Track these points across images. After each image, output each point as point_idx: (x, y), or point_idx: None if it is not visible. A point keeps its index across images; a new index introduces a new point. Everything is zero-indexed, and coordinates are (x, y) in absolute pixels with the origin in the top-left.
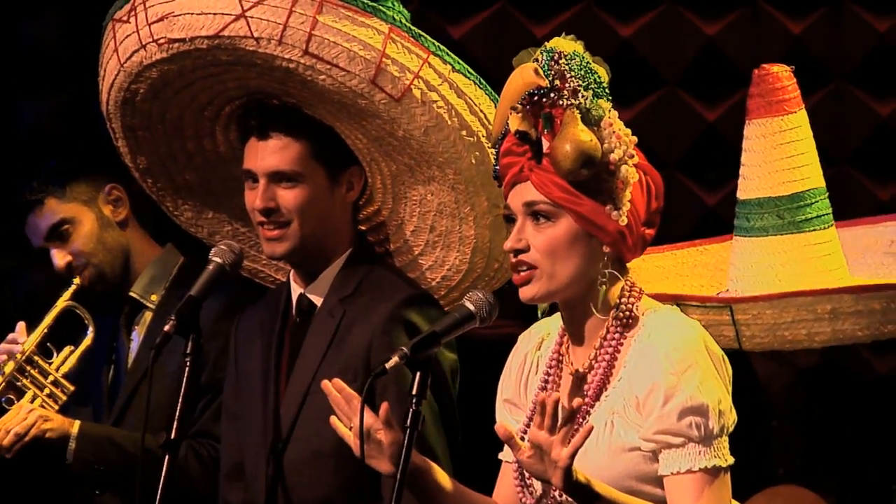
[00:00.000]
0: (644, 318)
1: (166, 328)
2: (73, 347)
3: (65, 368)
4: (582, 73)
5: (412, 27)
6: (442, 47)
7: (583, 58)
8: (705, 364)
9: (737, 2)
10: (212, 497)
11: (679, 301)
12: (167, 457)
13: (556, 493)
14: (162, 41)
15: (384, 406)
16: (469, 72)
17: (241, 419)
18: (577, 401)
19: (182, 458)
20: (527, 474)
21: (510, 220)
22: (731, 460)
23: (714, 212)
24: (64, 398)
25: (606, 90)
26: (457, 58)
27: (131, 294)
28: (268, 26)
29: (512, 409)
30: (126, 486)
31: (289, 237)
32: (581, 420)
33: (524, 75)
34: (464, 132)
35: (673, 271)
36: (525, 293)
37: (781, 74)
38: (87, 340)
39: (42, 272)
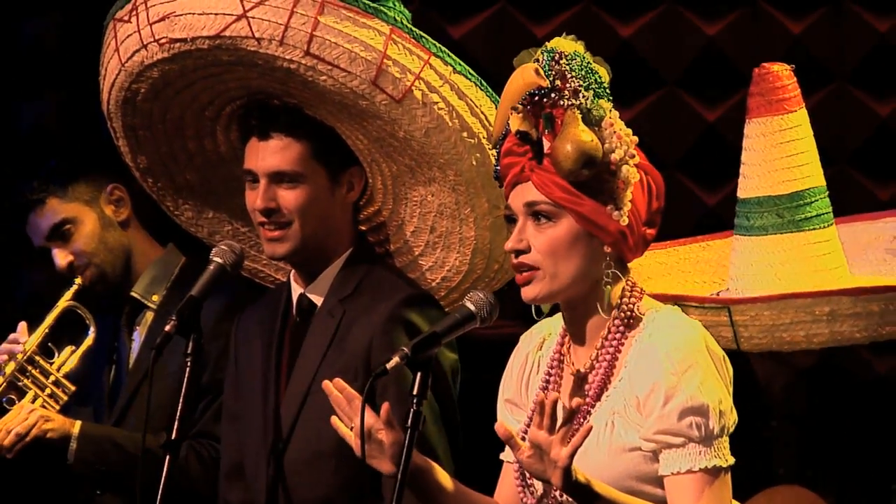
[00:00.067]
0: (645, 319)
1: (167, 328)
2: (74, 347)
3: (66, 368)
4: (583, 73)
5: (413, 28)
6: (443, 48)
7: (583, 58)
8: (706, 364)
9: (737, 2)
10: (212, 497)
11: (677, 301)
12: (168, 457)
13: (557, 493)
14: (163, 41)
15: (385, 406)
16: (470, 73)
17: (241, 419)
18: (576, 401)
19: (183, 458)
20: (528, 474)
21: (511, 220)
22: (731, 460)
23: (714, 212)
24: (65, 398)
25: (607, 90)
26: (458, 59)
27: (132, 294)
28: (269, 27)
29: (513, 409)
30: (127, 486)
31: (290, 238)
32: (582, 420)
33: (525, 75)
34: (465, 133)
35: (675, 267)
36: (527, 293)
37: (782, 73)
38: (89, 340)
39: (43, 272)
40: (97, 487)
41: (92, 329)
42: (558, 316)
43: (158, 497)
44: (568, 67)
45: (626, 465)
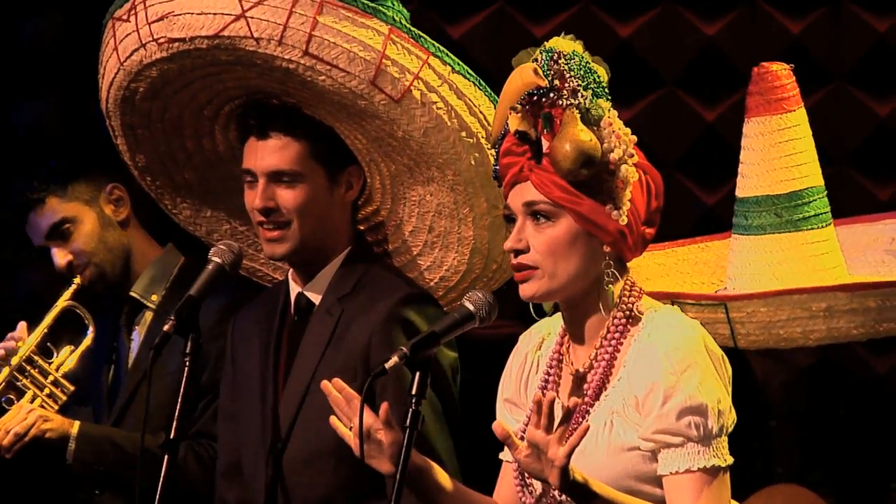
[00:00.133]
0: (644, 318)
1: (165, 328)
2: (73, 347)
3: (65, 368)
4: (581, 72)
5: (412, 28)
6: (442, 48)
7: (582, 57)
8: (705, 364)
9: (736, 1)
10: (211, 497)
11: (674, 299)
12: (166, 457)
13: (556, 493)
14: (162, 40)
15: (384, 406)
16: (469, 73)
17: (239, 418)
18: (573, 400)
19: (182, 458)
20: (527, 474)
21: (510, 220)
22: (730, 460)
23: (713, 211)
24: (64, 398)
25: (606, 90)
26: (456, 59)
27: (132, 294)
28: (268, 27)
29: (512, 409)
30: (126, 486)
31: (289, 238)
32: (580, 419)
33: (523, 75)
34: (463, 133)
35: (674, 268)
36: (525, 291)
37: (781, 73)
38: (87, 340)
39: (42, 272)
40: (96, 487)
41: (91, 329)
42: (557, 316)
43: (157, 497)
44: (566, 67)
45: (625, 465)
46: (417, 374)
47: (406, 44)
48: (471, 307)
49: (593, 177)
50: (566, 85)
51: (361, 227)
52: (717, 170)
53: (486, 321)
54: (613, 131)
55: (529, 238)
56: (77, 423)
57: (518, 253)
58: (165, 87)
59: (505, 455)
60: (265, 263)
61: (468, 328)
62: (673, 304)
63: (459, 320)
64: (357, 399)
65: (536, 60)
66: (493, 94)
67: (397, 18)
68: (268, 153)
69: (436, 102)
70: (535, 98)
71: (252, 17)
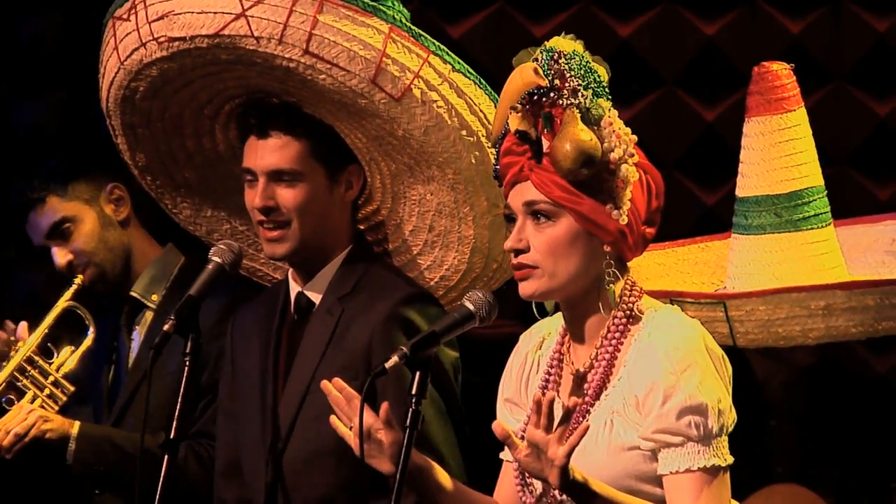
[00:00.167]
0: (644, 317)
1: (165, 327)
2: (73, 348)
3: (65, 369)
4: (582, 72)
5: (412, 27)
6: (442, 47)
7: (582, 57)
8: (705, 363)
9: (736, 1)
10: (211, 498)
11: (673, 298)
12: (166, 457)
13: (556, 492)
14: (162, 39)
15: (384, 406)
16: (469, 71)
17: (238, 417)
18: (572, 400)
19: (182, 458)
20: (527, 473)
21: (510, 219)
22: (730, 460)
23: (713, 211)
24: (64, 399)
25: (606, 89)
26: (457, 57)
27: (132, 294)
28: (268, 25)
29: (513, 409)
30: (126, 486)
31: (289, 238)
32: (580, 419)
33: (524, 75)
34: (463, 132)
35: (674, 268)
36: (524, 289)
37: (781, 72)
38: (88, 341)
39: (42, 272)
40: (96, 487)
41: (91, 329)
42: (558, 316)
43: (157, 497)
44: (567, 67)
45: (625, 465)
46: (417, 373)
47: (406, 42)
48: (471, 307)
49: (594, 176)
50: (566, 84)
51: (361, 227)
52: (717, 169)
53: (487, 321)
54: (614, 131)
55: (530, 238)
56: (77, 424)
57: (518, 252)
58: (166, 86)
59: (505, 455)
60: (265, 263)
61: (468, 328)
62: (672, 304)
63: (459, 320)
64: (357, 398)
65: (537, 60)
66: (493, 92)
67: (398, 17)
68: (268, 152)
69: (436, 101)
70: (536, 97)
71: (252, 16)
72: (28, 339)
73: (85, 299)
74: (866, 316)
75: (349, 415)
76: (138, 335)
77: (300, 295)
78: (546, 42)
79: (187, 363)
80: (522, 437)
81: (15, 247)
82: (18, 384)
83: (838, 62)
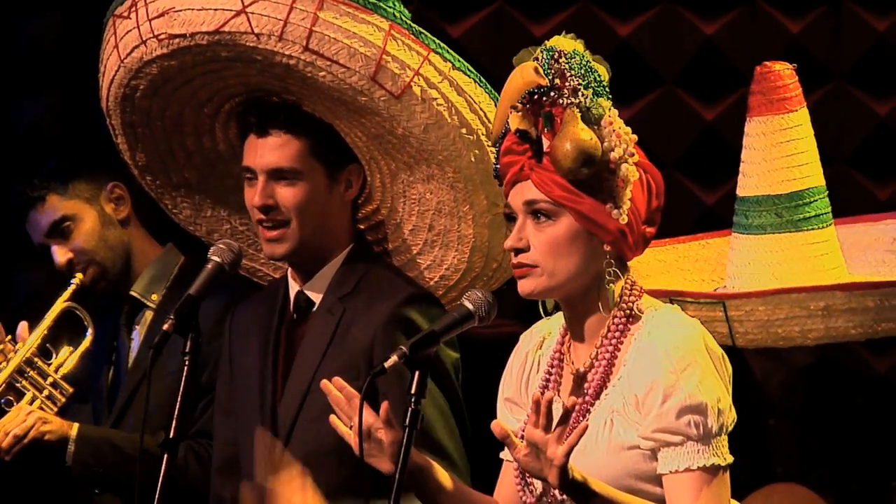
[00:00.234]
0: (644, 317)
1: (165, 327)
2: (72, 348)
3: (64, 370)
4: (582, 71)
5: (413, 24)
6: (442, 45)
7: (583, 56)
8: (705, 363)
9: (735, 1)
10: None
11: (673, 297)
12: (165, 456)
13: (556, 492)
14: (162, 37)
15: (384, 405)
16: (469, 70)
17: (236, 415)
18: (571, 399)
19: (181, 458)
20: (527, 473)
21: (511, 218)
22: (730, 459)
23: (713, 210)
24: (63, 400)
25: (606, 89)
26: (457, 56)
27: (132, 293)
28: (268, 22)
29: (513, 409)
30: (126, 487)
31: (288, 238)
32: (580, 418)
33: (524, 74)
34: (463, 130)
35: (674, 265)
36: (524, 287)
37: (783, 72)
38: (86, 342)
39: (41, 271)
40: (96, 488)
41: (90, 331)
42: (558, 315)
43: (157, 496)
44: (567, 66)
45: (625, 464)
46: (417, 373)
47: (406, 40)
48: (470, 306)
49: (594, 176)
50: (567, 84)
51: (361, 226)
52: (717, 169)
53: (486, 320)
54: (614, 130)
55: (530, 237)
56: (76, 425)
57: (518, 252)
58: (166, 85)
59: (505, 454)
60: (265, 263)
61: (467, 327)
62: (672, 303)
63: (459, 319)
64: (357, 398)
65: (537, 59)
66: (493, 91)
67: (398, 15)
68: (268, 151)
69: (436, 99)
70: (536, 97)
71: (252, 13)
72: (27, 340)
73: (84, 299)
74: (866, 317)
75: (349, 414)
76: (138, 335)
77: (300, 294)
78: (546, 41)
79: (187, 363)
80: (523, 437)
81: (15, 246)
82: (17, 385)
83: (838, 62)
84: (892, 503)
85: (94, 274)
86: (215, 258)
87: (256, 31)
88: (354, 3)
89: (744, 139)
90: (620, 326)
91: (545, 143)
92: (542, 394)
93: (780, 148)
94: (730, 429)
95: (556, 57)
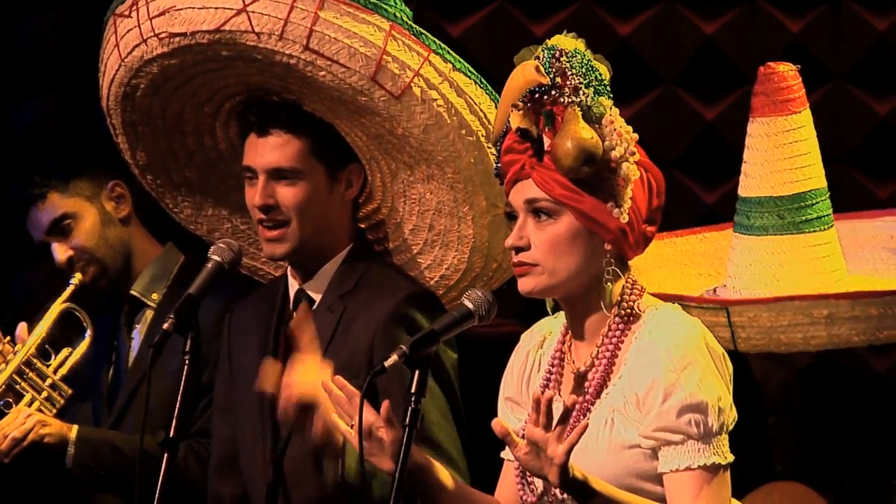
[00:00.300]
0: (645, 316)
1: (165, 326)
2: (71, 349)
3: (63, 371)
4: (583, 70)
5: (413, 25)
6: (443, 45)
7: (584, 55)
8: (705, 362)
9: (736, 0)
10: None
11: (676, 301)
12: (165, 455)
13: (557, 491)
14: (163, 35)
15: (385, 404)
16: (469, 71)
17: (235, 414)
18: (570, 398)
19: (181, 458)
20: (528, 472)
21: (511, 217)
22: (730, 458)
23: (713, 210)
24: (62, 401)
25: (607, 88)
26: (457, 56)
27: (132, 292)
28: (269, 21)
29: (514, 408)
30: (126, 488)
31: (288, 238)
32: (581, 417)
33: (525, 73)
34: (463, 131)
35: (672, 259)
36: (524, 286)
37: (787, 74)
38: (85, 343)
39: (41, 271)
40: (96, 489)
41: (89, 332)
42: (560, 315)
43: (157, 496)
44: (568, 65)
45: (626, 463)
46: (417, 372)
47: (407, 40)
48: (470, 305)
49: (595, 174)
50: (568, 83)
51: (362, 226)
52: (717, 168)
53: (486, 319)
54: (615, 129)
55: (531, 235)
56: (75, 428)
57: (519, 250)
58: (166, 84)
59: (506, 454)
60: (266, 262)
61: (467, 326)
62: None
63: (459, 318)
64: (358, 396)
65: (538, 58)
66: (493, 92)
67: (399, 15)
68: (268, 150)
69: (436, 100)
70: (537, 95)
71: (253, 12)
72: (27, 341)
73: (83, 299)
74: (869, 325)
75: (350, 413)
76: (138, 334)
77: (300, 292)
78: (548, 40)
79: (187, 362)
80: (523, 436)
81: (15, 246)
82: (16, 387)
83: (838, 61)
84: (892, 502)
85: (94, 272)
86: (215, 257)
87: (257, 30)
88: (355, 2)
89: (746, 140)
90: (621, 325)
91: (546, 141)
92: (543, 393)
93: (782, 149)
94: (730, 428)
95: (557, 56)
